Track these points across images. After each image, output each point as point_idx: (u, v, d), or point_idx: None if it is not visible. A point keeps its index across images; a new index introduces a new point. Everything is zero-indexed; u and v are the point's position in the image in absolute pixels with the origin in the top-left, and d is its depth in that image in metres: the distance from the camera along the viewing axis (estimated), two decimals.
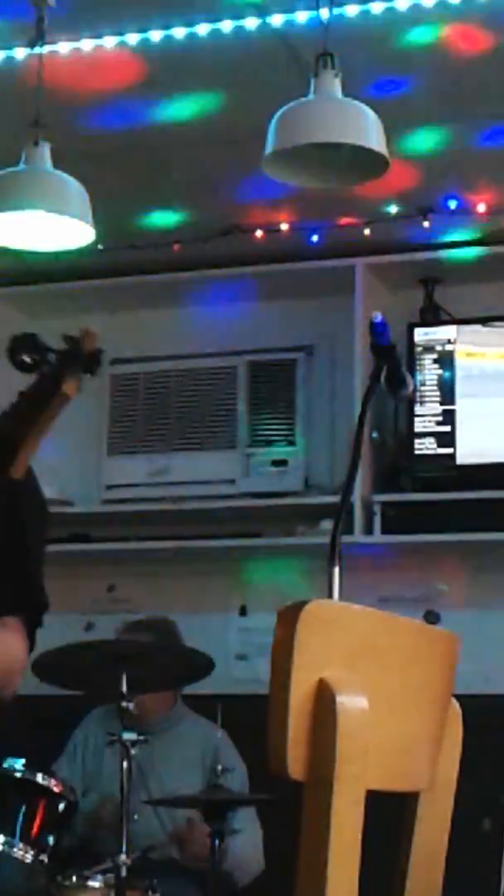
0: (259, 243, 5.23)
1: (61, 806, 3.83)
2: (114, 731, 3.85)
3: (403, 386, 3.01)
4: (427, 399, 5.17)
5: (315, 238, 5.21)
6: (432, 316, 5.33)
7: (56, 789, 3.82)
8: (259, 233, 5.19)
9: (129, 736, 3.83)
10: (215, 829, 3.98)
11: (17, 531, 2.74)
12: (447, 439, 5.12)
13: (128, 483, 5.62)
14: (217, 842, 3.98)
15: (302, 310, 5.58)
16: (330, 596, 2.75)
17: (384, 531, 5.12)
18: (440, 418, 5.14)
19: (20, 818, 3.75)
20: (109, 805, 4.25)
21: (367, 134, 3.24)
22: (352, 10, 3.69)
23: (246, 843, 4.38)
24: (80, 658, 4.15)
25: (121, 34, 3.88)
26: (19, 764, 3.80)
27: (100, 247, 4.70)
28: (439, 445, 5.13)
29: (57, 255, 4.05)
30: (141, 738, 3.85)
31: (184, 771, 4.47)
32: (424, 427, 5.15)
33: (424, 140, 4.45)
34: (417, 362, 5.18)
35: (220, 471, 5.50)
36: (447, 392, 5.16)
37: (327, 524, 5.00)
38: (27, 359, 2.16)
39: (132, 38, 3.89)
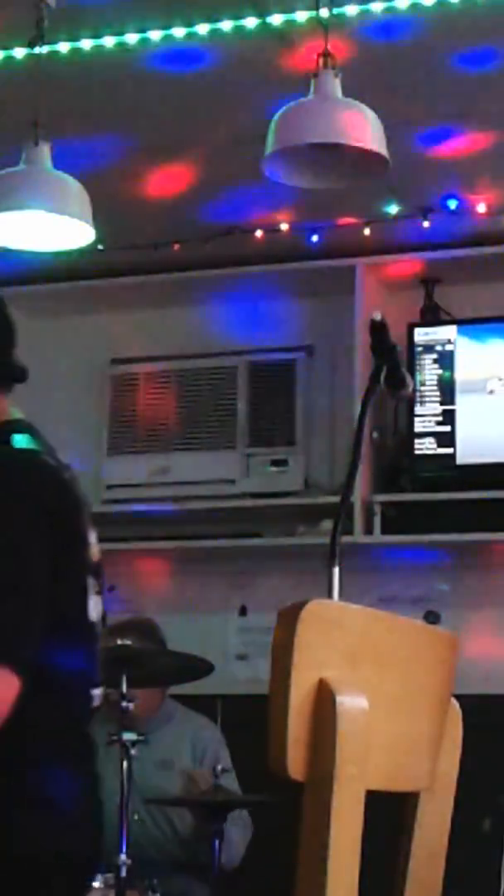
0: (259, 243, 5.23)
1: None
2: (113, 733, 3.85)
3: (403, 386, 3.01)
4: (427, 399, 5.17)
5: (315, 238, 5.21)
6: (432, 316, 5.33)
7: None
8: (259, 233, 5.20)
9: (128, 736, 3.83)
10: (215, 830, 3.99)
11: None
12: (447, 439, 5.12)
13: (128, 483, 5.62)
14: (218, 842, 3.99)
15: (302, 310, 5.58)
16: (330, 596, 2.75)
17: (384, 531, 5.12)
18: (440, 418, 5.14)
19: None
20: None
21: (367, 134, 3.24)
22: (352, 10, 3.69)
23: (238, 833, 4.38)
24: None
25: (121, 34, 3.88)
26: None
27: (100, 247, 4.69)
28: (439, 445, 5.13)
29: (57, 255, 4.05)
30: (140, 737, 3.86)
31: (169, 763, 4.46)
32: (424, 427, 5.15)
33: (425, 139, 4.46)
34: (417, 362, 5.17)
35: (220, 471, 5.50)
36: (447, 392, 5.15)
37: (327, 524, 5.00)
38: None
39: (132, 38, 3.89)
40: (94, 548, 2.42)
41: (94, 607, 2.40)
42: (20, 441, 2.38)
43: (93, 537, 2.40)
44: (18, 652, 2.20)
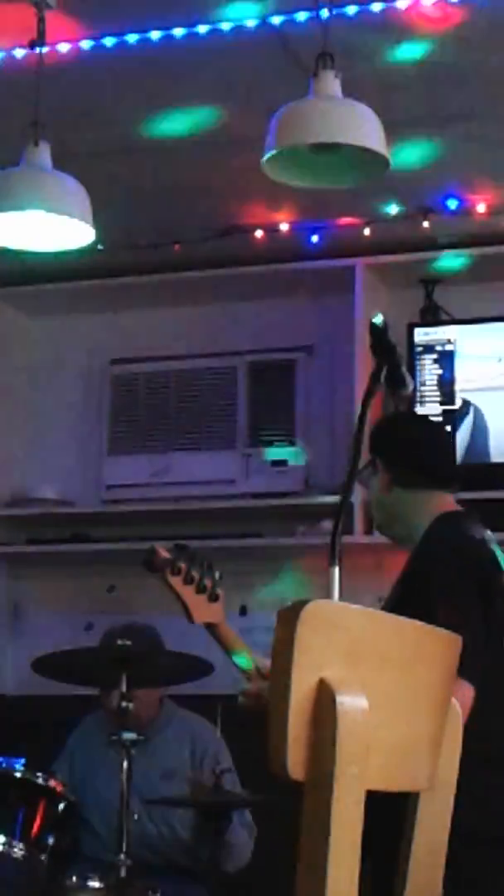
0: (259, 243, 5.23)
1: (61, 806, 3.84)
2: (113, 733, 3.84)
3: (403, 386, 3.01)
4: (427, 399, 5.16)
5: (315, 238, 5.21)
6: (432, 316, 5.32)
7: (56, 789, 3.83)
8: (259, 233, 5.19)
9: (129, 736, 3.82)
10: (216, 831, 3.98)
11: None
12: None
13: (128, 483, 5.62)
14: (218, 843, 3.98)
15: (302, 310, 5.58)
16: (330, 596, 2.75)
17: None
18: (440, 418, 5.14)
19: (20, 818, 3.76)
20: None
21: (367, 134, 3.24)
22: (352, 10, 3.69)
23: (244, 834, 4.38)
24: (80, 659, 4.16)
25: (121, 34, 3.88)
26: (19, 764, 3.81)
27: (100, 247, 4.69)
28: None
29: (57, 255, 4.05)
30: (140, 737, 3.85)
31: (173, 772, 4.46)
32: None
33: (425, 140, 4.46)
34: (417, 362, 5.17)
35: (220, 471, 5.50)
36: (447, 392, 5.15)
37: (327, 524, 5.00)
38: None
39: (132, 39, 3.89)
40: None
41: None
42: (467, 529, 3.32)
43: None
44: (471, 669, 2.82)
